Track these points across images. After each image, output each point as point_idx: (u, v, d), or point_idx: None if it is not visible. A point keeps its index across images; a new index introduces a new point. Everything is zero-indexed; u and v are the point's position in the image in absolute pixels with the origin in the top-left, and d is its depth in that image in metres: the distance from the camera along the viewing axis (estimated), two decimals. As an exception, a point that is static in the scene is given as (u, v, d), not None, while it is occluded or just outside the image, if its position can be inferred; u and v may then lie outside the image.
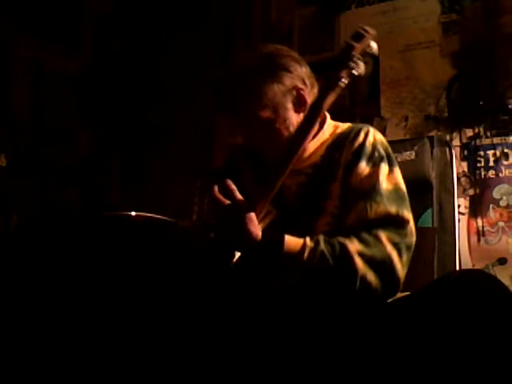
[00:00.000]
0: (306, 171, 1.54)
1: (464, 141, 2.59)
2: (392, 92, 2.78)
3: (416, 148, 2.07)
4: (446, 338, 1.18)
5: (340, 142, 1.54)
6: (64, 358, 1.39)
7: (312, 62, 1.60)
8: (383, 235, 1.39)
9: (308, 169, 1.54)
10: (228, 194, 1.34)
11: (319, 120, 1.44)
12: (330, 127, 1.59)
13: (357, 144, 1.51)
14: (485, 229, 2.50)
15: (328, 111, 1.55)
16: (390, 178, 1.48)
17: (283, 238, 1.37)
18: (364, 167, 1.48)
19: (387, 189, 1.46)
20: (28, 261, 1.59)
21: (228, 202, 1.33)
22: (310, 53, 2.84)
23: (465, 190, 2.54)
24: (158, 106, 3.19)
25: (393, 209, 1.43)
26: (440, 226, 2.03)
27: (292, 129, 1.51)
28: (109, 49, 3.26)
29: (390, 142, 1.57)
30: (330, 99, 1.38)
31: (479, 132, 2.57)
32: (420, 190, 1.92)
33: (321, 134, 1.56)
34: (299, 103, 1.53)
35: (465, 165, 2.56)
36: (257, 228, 1.34)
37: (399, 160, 1.72)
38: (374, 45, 1.41)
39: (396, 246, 1.39)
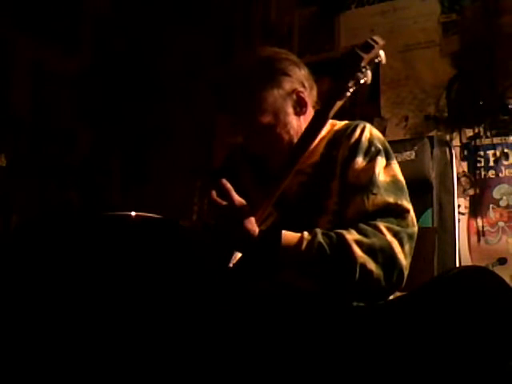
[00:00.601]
0: (307, 171, 1.54)
1: (464, 141, 2.58)
2: (392, 92, 2.78)
3: (416, 148, 2.06)
4: (447, 334, 1.18)
5: (337, 138, 1.54)
6: (64, 358, 1.38)
7: (312, 61, 1.60)
8: (382, 225, 1.38)
9: (308, 168, 1.54)
10: (224, 193, 1.34)
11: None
12: (328, 124, 1.59)
13: (353, 140, 1.51)
14: (485, 229, 2.50)
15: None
16: (387, 171, 1.47)
17: (280, 233, 1.37)
18: (361, 162, 1.47)
19: (385, 180, 1.45)
20: (28, 261, 1.59)
21: (225, 203, 1.33)
22: (310, 53, 2.85)
23: (465, 190, 2.54)
24: (158, 106, 3.19)
25: (391, 199, 1.42)
26: (440, 226, 2.02)
27: (292, 132, 1.52)
28: (109, 49, 3.26)
29: (389, 142, 1.57)
30: (337, 107, 1.39)
31: (479, 132, 2.56)
32: (420, 190, 1.92)
33: (319, 132, 1.56)
34: (299, 106, 1.53)
35: (465, 165, 2.56)
36: (253, 225, 1.35)
37: (399, 160, 1.71)
38: (382, 54, 1.42)
39: (397, 235, 1.37)
